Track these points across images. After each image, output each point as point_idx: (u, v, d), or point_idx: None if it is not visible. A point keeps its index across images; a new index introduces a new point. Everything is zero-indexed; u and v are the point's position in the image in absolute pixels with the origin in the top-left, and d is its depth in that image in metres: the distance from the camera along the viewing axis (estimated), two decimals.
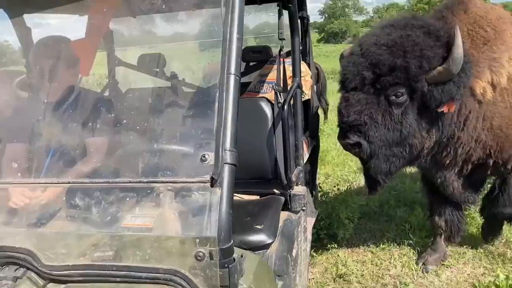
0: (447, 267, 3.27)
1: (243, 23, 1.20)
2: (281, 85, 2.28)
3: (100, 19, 1.79)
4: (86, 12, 2.85)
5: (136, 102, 1.73)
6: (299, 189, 2.27)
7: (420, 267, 3.26)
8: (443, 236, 3.28)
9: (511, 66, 2.75)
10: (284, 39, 2.21)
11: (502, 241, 3.52)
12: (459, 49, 2.25)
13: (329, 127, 7.76)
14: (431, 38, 2.41)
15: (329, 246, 3.58)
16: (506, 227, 3.63)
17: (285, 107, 2.13)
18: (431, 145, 2.67)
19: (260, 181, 2.33)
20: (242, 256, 1.19)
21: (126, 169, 1.19)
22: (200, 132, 1.16)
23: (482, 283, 2.85)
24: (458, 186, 3.01)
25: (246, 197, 2.36)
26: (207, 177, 1.06)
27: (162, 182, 1.12)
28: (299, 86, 2.31)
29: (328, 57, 27.47)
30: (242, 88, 3.50)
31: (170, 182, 1.12)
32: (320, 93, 8.53)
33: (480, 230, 3.69)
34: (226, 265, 1.03)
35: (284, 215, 2.20)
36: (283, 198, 2.25)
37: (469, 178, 3.02)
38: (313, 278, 3.21)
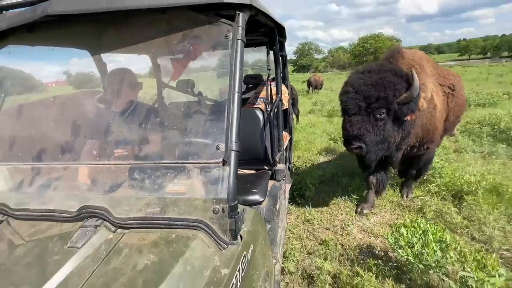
0: (374, 214, 3.27)
1: (243, 59, 1.17)
2: (269, 99, 2.24)
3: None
4: (144, 53, 2.80)
5: (174, 110, 1.71)
6: (281, 166, 2.25)
7: (358, 212, 3.27)
8: (373, 190, 3.30)
9: (431, 86, 3.03)
10: (270, 69, 2.17)
11: (411, 197, 3.52)
12: (416, 83, 2.48)
13: (299, 126, 7.71)
14: (398, 77, 2.56)
15: (299, 202, 3.58)
16: (416, 188, 3.65)
17: (271, 113, 2.10)
18: (399, 139, 2.80)
19: (255, 161, 2.30)
20: (243, 210, 1.17)
21: (168, 154, 1.16)
22: (215, 130, 1.13)
23: (395, 224, 2.86)
24: (400, 159, 3.19)
25: (247, 171, 2.34)
26: (220, 160, 1.03)
27: (191, 163, 1.10)
28: (280, 100, 2.28)
29: (299, 82, 27.32)
30: (243, 102, 3.46)
31: (196, 163, 1.09)
32: (294, 104, 8.52)
33: (399, 188, 3.70)
34: (233, 216, 1.01)
35: (271, 183, 2.18)
36: (270, 172, 2.22)
37: (404, 155, 3.19)
38: (289, 222, 3.20)
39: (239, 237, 1.06)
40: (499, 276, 1.59)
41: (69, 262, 0.89)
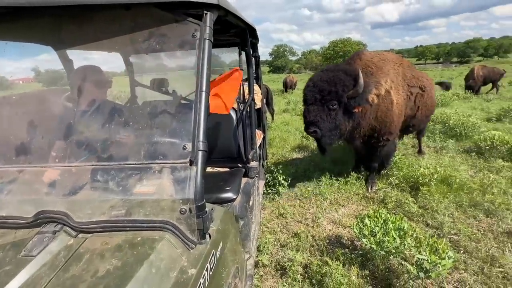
0: (342, 206, 3.38)
1: (210, 58, 1.13)
2: (241, 99, 2.20)
3: None
4: (111, 50, 2.63)
5: (143, 110, 1.61)
6: (254, 164, 2.23)
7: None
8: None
9: (386, 84, 3.30)
10: (242, 69, 2.13)
11: (375, 189, 3.68)
12: (361, 81, 2.82)
13: (274, 125, 7.76)
14: (347, 76, 2.91)
15: (274, 197, 3.60)
16: (379, 181, 3.82)
17: (243, 112, 2.07)
18: (349, 128, 3.11)
19: (229, 159, 2.26)
20: (212, 209, 1.13)
21: (134, 155, 1.09)
22: (183, 130, 1.08)
23: (360, 215, 2.98)
24: (361, 148, 3.66)
25: (221, 169, 2.29)
26: (187, 160, 0.99)
27: (157, 163, 1.04)
28: (253, 99, 2.25)
29: (275, 82, 27.58)
30: None
31: (163, 163, 1.04)
32: (269, 104, 8.55)
33: (365, 181, 3.86)
34: (200, 216, 0.97)
35: (244, 180, 2.16)
36: (243, 170, 2.20)
37: (364, 144, 3.56)
38: (264, 217, 3.21)
39: (207, 236, 1.02)
40: (449, 258, 1.71)
41: (22, 272, 0.80)
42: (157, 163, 1.02)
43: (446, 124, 6.07)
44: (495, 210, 2.97)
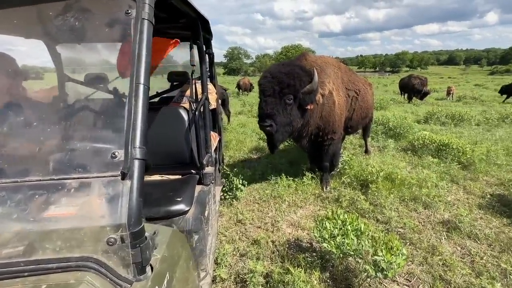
0: (299, 207, 3.37)
1: (151, 43, 0.89)
2: (194, 97, 1.96)
3: None
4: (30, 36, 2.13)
5: (63, 108, 1.26)
6: (209, 169, 2.02)
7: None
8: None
9: (329, 85, 3.43)
10: (194, 65, 1.90)
11: (329, 189, 3.78)
12: (316, 78, 2.89)
13: (230, 127, 7.56)
14: (304, 72, 2.93)
15: (232, 203, 3.41)
16: (333, 180, 3.93)
17: (196, 113, 1.85)
18: (300, 125, 3.10)
19: (181, 165, 2.00)
20: (154, 233, 0.89)
21: (41, 167, 0.79)
22: (112, 132, 0.82)
23: (318, 216, 3.00)
24: (309, 147, 3.64)
25: (172, 176, 2.02)
26: (118, 172, 0.74)
27: (75, 178, 0.77)
28: (206, 98, 2.04)
29: (230, 83, 27.43)
30: (168, 100, 3.04)
31: (83, 178, 0.77)
32: (225, 105, 8.34)
33: (319, 181, 3.93)
34: (137, 245, 0.74)
35: (198, 188, 1.93)
36: (197, 176, 1.97)
37: (312, 143, 3.61)
38: (221, 225, 3.00)
39: (148, 269, 0.79)
40: (402, 255, 1.76)
41: None
42: (74, 178, 0.75)
43: (386, 126, 6.69)
44: (431, 202, 3.30)
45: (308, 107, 2.97)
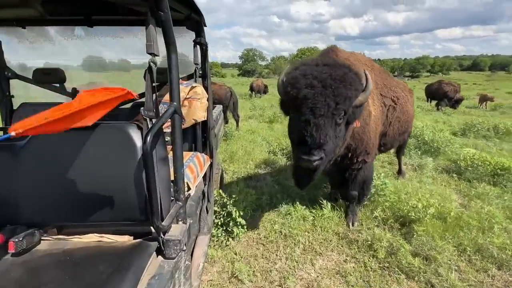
0: (319, 255, 2.49)
1: None
2: (154, 110, 1.13)
3: None
4: None
5: None
6: (176, 231, 1.20)
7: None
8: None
9: None
10: (154, 53, 1.08)
11: (357, 225, 2.87)
12: (370, 84, 2.00)
13: (238, 134, 6.76)
14: (356, 76, 1.97)
15: (227, 243, 2.56)
16: (362, 214, 3.03)
17: (149, 136, 1.02)
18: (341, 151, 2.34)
19: (128, 222, 1.18)
20: None
21: None
22: None
23: (347, 273, 2.13)
24: (332, 171, 2.81)
25: (117, 237, 1.22)
26: None
27: None
28: (177, 111, 1.22)
29: (243, 85, 26.91)
30: (137, 107, 2.13)
31: None
32: (234, 109, 7.58)
33: (344, 214, 3.04)
34: None
35: (155, 264, 1.12)
36: (155, 243, 1.16)
37: (337, 166, 2.73)
38: (210, 280, 2.17)
39: None
40: None
41: None
42: None
43: (420, 139, 5.65)
44: (504, 258, 2.33)
45: (356, 124, 2.13)
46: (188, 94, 1.92)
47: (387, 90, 3.05)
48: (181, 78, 2.15)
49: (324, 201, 3.10)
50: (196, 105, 1.92)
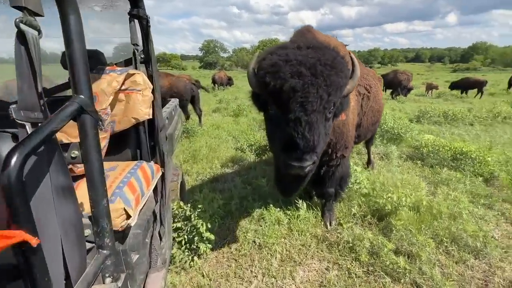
0: (298, 264, 2.22)
1: None
2: (42, 109, 0.67)
3: None
4: None
5: None
6: None
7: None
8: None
9: None
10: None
11: (334, 224, 2.67)
12: (358, 71, 1.63)
13: (202, 130, 6.22)
14: (343, 59, 1.54)
15: (192, 263, 2.15)
16: (339, 211, 2.83)
17: (15, 156, 0.56)
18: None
19: None
20: None
21: None
22: None
23: (329, 283, 1.88)
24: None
25: None
26: None
27: None
28: (84, 109, 0.76)
29: (205, 77, 25.88)
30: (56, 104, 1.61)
31: None
32: (195, 103, 7.01)
33: (321, 212, 2.81)
34: None
35: None
36: None
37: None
38: None
39: None
40: None
41: None
42: None
43: (383, 127, 5.76)
44: (479, 247, 2.31)
45: (343, 116, 1.80)
46: (123, 84, 1.41)
47: (360, 78, 2.85)
48: (115, 64, 1.62)
49: (300, 201, 2.84)
50: (136, 99, 1.44)
